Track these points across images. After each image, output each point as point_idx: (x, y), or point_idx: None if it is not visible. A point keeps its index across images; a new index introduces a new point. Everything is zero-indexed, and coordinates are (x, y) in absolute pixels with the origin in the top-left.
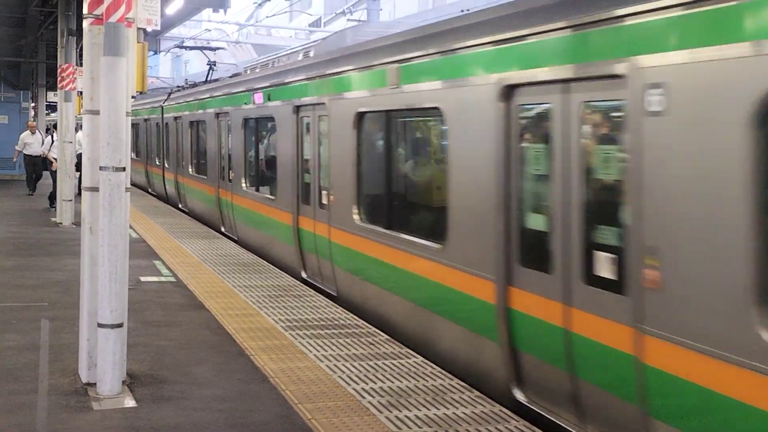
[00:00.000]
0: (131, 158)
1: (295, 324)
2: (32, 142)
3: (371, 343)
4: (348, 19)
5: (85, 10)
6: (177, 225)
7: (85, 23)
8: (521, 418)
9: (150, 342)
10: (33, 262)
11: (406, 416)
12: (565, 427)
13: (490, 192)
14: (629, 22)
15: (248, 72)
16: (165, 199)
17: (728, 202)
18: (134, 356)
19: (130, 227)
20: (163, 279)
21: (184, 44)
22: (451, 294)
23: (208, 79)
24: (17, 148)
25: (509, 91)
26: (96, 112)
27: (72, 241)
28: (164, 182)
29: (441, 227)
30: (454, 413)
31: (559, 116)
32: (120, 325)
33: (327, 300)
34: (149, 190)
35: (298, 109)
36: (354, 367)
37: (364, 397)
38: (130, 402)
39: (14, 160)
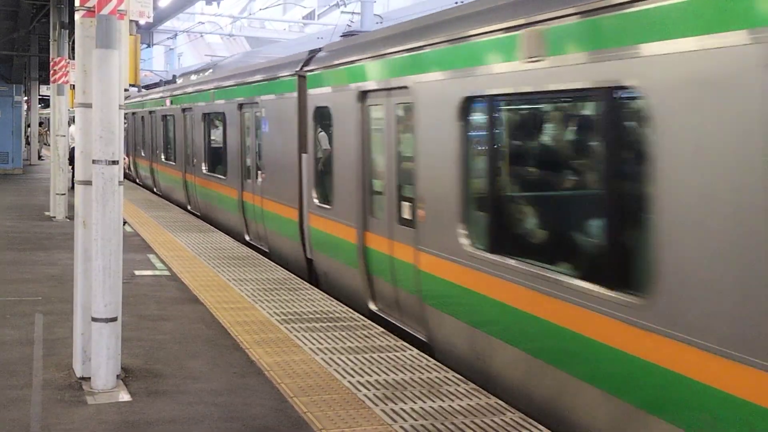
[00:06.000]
0: (183, 172)
1: (290, 317)
2: None
3: (366, 336)
4: (342, 12)
5: (77, 3)
6: (171, 218)
7: (78, 16)
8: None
9: (144, 336)
10: (27, 257)
11: (402, 409)
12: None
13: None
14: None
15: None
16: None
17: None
18: (129, 350)
19: (124, 221)
20: (157, 273)
21: None
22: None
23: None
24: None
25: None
26: (88, 106)
27: (66, 235)
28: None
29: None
30: (449, 405)
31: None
32: (114, 319)
33: (322, 293)
34: (219, 226)
35: None
36: (349, 360)
37: (359, 390)
38: (124, 396)
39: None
